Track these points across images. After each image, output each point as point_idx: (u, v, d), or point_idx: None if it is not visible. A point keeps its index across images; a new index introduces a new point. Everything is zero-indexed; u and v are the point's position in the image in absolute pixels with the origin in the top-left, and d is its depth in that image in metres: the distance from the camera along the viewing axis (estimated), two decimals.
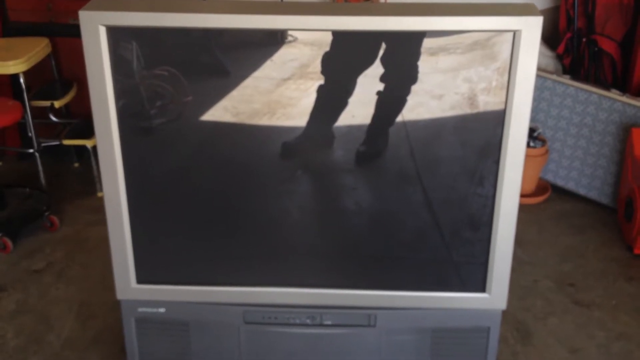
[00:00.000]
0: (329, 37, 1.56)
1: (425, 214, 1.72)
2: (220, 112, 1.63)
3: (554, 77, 3.12)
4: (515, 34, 1.51)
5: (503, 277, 1.74)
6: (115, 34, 1.54)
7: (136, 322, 1.84)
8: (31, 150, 3.13)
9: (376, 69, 1.57)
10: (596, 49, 3.26)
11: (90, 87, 1.58)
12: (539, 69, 3.17)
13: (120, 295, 1.81)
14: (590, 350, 2.27)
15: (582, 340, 2.31)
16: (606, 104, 3.00)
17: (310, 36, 1.56)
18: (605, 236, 2.92)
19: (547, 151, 3.14)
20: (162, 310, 1.83)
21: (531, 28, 1.51)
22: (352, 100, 1.61)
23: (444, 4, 1.57)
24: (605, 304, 2.49)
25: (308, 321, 1.82)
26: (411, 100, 1.60)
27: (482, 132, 1.64)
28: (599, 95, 3.02)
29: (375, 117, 1.62)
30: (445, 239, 1.75)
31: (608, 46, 3.24)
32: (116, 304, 1.87)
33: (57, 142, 3.22)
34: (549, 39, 3.45)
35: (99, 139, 1.63)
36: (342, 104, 1.62)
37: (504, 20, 1.51)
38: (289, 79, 1.59)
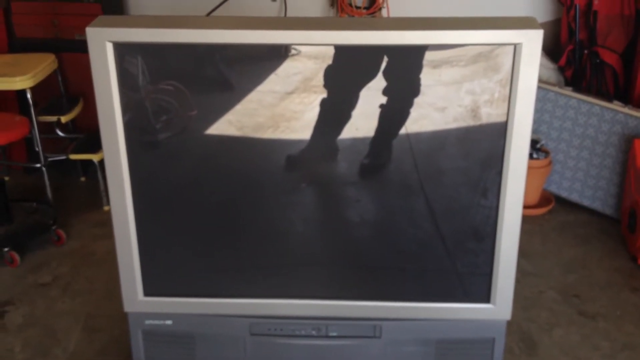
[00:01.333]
0: (331, 51, 1.57)
1: (429, 225, 1.73)
2: (224, 126, 1.64)
3: (556, 89, 3.14)
4: (516, 47, 1.53)
5: (507, 287, 1.75)
6: (122, 50, 1.56)
7: (143, 335, 1.86)
8: (38, 165, 3.15)
9: (379, 82, 1.59)
10: (598, 61, 3.28)
11: (98, 102, 1.60)
12: (541, 81, 3.19)
13: (128, 307, 1.82)
14: None
15: (587, 351, 2.31)
16: (608, 116, 3.02)
17: (313, 50, 1.58)
18: (609, 247, 2.92)
19: (550, 162, 3.15)
20: (168, 322, 1.84)
21: (532, 41, 1.52)
22: (355, 113, 1.62)
23: (446, 18, 1.59)
24: (610, 315, 2.49)
25: (313, 332, 1.82)
26: (414, 112, 1.61)
27: (485, 144, 1.65)
28: (601, 107, 3.03)
29: (379, 129, 1.64)
30: (449, 250, 1.76)
31: (610, 58, 3.26)
32: (122, 317, 1.88)
33: (63, 157, 3.24)
34: (551, 51, 3.47)
35: (106, 153, 1.65)
36: (345, 117, 1.63)
37: (504, 33, 1.53)
38: (292, 92, 1.61)
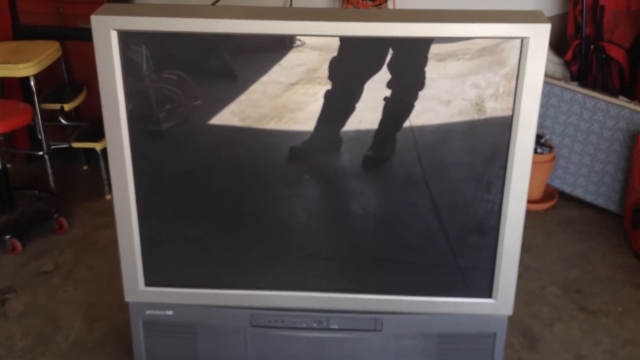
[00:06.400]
0: (336, 42, 1.57)
1: (432, 219, 1.73)
2: (228, 116, 1.64)
3: (562, 83, 3.12)
4: (523, 41, 1.52)
5: (509, 282, 1.75)
6: (126, 38, 1.56)
7: (144, 324, 1.86)
8: (41, 153, 3.15)
9: (383, 74, 1.58)
10: (604, 56, 3.26)
11: (101, 90, 1.59)
12: (547, 75, 3.18)
13: (129, 297, 1.82)
14: (596, 356, 2.26)
15: (588, 347, 2.30)
16: (614, 111, 3.00)
17: (317, 41, 1.57)
18: (612, 243, 2.91)
19: (554, 157, 3.14)
20: (169, 312, 1.84)
21: (539, 35, 1.51)
22: (360, 105, 1.61)
23: (452, 11, 1.58)
24: (611, 311, 2.48)
25: (314, 325, 1.82)
26: (419, 106, 1.61)
27: (490, 138, 1.64)
28: (606, 102, 3.02)
29: (383, 122, 1.63)
30: (451, 245, 1.75)
31: (616, 53, 3.24)
32: (123, 306, 1.88)
33: (66, 145, 3.25)
34: (557, 46, 3.45)
35: (109, 142, 1.64)
36: (349, 109, 1.63)
37: (512, 27, 1.52)
38: (296, 83, 1.60)
